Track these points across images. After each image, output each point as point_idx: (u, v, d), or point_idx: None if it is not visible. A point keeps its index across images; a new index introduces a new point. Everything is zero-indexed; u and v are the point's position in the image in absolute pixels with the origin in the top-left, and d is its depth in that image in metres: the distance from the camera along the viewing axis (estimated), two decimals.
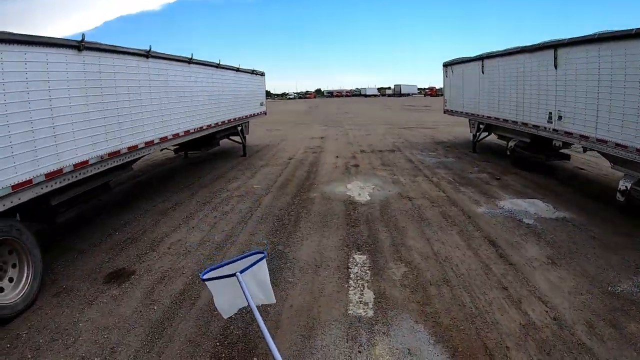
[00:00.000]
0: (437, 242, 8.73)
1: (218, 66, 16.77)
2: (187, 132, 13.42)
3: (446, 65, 24.58)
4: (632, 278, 6.93)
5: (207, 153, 19.63)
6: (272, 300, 4.28)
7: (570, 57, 12.04)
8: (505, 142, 17.92)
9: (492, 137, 20.15)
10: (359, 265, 7.79)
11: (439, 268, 7.45)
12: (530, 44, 14.35)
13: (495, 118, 17.69)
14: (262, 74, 24.11)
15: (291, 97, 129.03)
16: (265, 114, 25.28)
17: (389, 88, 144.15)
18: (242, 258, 4.06)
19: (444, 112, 25.66)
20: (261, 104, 24.02)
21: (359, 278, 7.26)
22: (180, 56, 13.17)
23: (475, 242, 8.62)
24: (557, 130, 12.74)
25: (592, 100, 10.91)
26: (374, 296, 6.57)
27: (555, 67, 12.67)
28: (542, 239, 8.70)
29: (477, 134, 20.40)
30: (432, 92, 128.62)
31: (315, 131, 32.30)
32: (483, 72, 18.92)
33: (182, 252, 8.57)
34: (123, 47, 9.77)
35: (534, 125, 14.09)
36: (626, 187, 9.50)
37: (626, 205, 9.78)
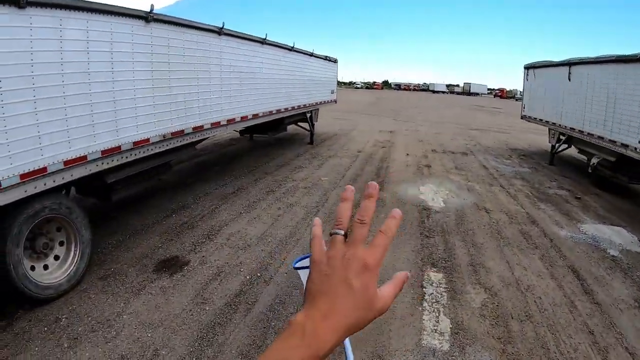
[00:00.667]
0: (518, 266, 7.83)
1: (292, 49, 15.96)
2: (255, 116, 12.72)
3: (528, 67, 22.98)
4: None
5: (274, 138, 18.98)
6: None
7: None
8: (585, 158, 16.68)
9: (572, 150, 18.73)
10: (434, 284, 6.96)
11: (521, 298, 6.63)
12: (629, 54, 12.95)
13: (578, 130, 16.14)
14: (335, 61, 23.20)
15: (358, 86, 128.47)
16: (336, 102, 24.44)
17: (457, 86, 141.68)
18: None
19: (521, 118, 24.15)
20: (332, 92, 23.17)
21: (434, 301, 6.45)
22: (253, 36, 12.40)
23: (559, 272, 7.71)
24: None
25: None
26: (451, 325, 5.82)
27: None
28: (629, 277, 7.73)
29: (557, 145, 19.01)
30: (502, 94, 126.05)
31: (384, 124, 31.16)
32: (569, 79, 17.37)
33: (241, 246, 7.85)
34: (194, 22, 9.10)
35: (622, 144, 12.65)
36: None
37: None
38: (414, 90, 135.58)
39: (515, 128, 34.33)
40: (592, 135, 14.74)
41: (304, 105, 18.02)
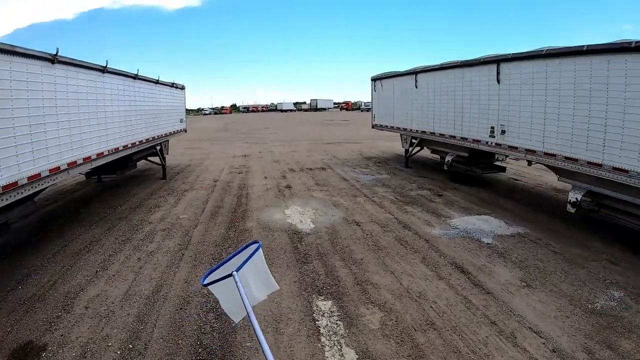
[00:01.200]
0: (403, 274, 7.96)
1: (136, 77, 14.88)
2: (100, 155, 11.52)
3: (375, 79, 24.24)
4: (605, 292, 7.08)
5: (124, 176, 17.49)
6: (276, 287, 3.78)
7: (515, 71, 11.90)
8: (438, 157, 18.21)
9: (424, 152, 20.16)
10: (326, 315, 6.66)
11: (417, 307, 6.70)
12: (470, 59, 14.16)
13: (430, 133, 17.47)
14: (182, 88, 22.30)
15: (207, 112, 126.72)
16: (186, 131, 23.52)
17: (304, 103, 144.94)
18: (238, 253, 3.67)
19: (372, 127, 25.35)
20: (181, 120, 22.23)
21: (331, 333, 6.15)
22: (92, 63, 11.23)
23: (444, 271, 8.08)
24: (500, 145, 12.62)
25: (539, 115, 10.91)
26: (357, 356, 5.57)
27: (498, 81, 12.53)
28: (508, 260, 8.48)
29: (410, 149, 20.17)
30: (348, 106, 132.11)
31: (237, 149, 30.67)
32: (416, 87, 18.66)
33: (104, 313, 6.86)
34: (22, 48, 7.78)
35: (474, 140, 13.93)
36: (576, 198, 9.82)
37: (576, 215, 10.19)
38: (263, 111, 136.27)
39: (365, 138, 36.02)
40: (444, 135, 16.12)
41: (153, 137, 16.96)
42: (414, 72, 18.88)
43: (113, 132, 12.53)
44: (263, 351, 2.87)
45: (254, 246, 3.60)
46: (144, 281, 8.03)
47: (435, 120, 16.97)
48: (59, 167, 9.09)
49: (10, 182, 7.32)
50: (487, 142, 13.26)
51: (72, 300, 7.28)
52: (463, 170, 15.66)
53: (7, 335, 6.22)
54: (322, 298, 7.18)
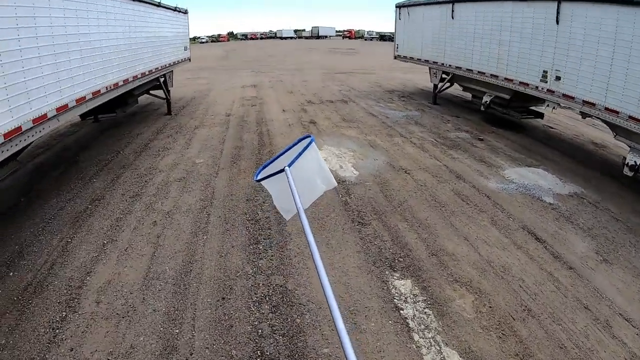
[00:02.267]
0: (478, 241, 6.86)
1: None
2: (96, 94, 9.43)
3: (400, 6, 22.12)
4: None
5: (123, 114, 15.25)
6: (334, 184, 3.36)
7: (579, 13, 10.59)
8: (470, 95, 17.12)
9: (452, 88, 18.85)
10: (409, 300, 5.42)
11: (507, 287, 5.73)
12: None
13: (466, 69, 15.94)
14: (186, 12, 19.79)
15: (203, 40, 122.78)
16: (190, 60, 21.24)
17: (304, 30, 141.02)
18: (290, 148, 3.32)
19: (395, 58, 23.52)
20: (185, 49, 19.88)
21: (423, 327, 4.96)
22: None
23: (518, 238, 7.04)
24: (553, 92, 11.49)
25: (604, 66, 9.67)
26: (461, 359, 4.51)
27: (557, 22, 11.25)
28: (577, 226, 7.53)
29: (440, 84, 18.73)
30: (351, 35, 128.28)
31: (244, 78, 28.29)
32: (453, 17, 16.93)
33: (122, 311, 5.19)
34: None
35: (521, 83, 12.71)
36: (635, 162, 9.01)
37: (630, 178, 9.26)
38: (262, 38, 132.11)
39: (378, 68, 33.98)
40: (484, 73, 14.70)
41: (157, 68, 14.84)
42: (451, 1, 17.01)
43: (110, 65, 10.38)
44: (315, 263, 2.21)
45: (306, 140, 3.28)
46: (166, 257, 6.33)
47: (473, 56, 15.37)
48: (46, 114, 7.07)
49: None
50: (536, 87, 12.07)
51: (77, 292, 5.56)
52: (499, 112, 14.61)
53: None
54: (397, 275, 5.87)
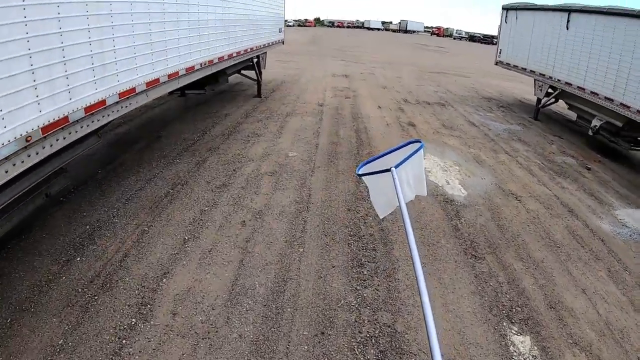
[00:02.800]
0: (596, 296, 5.89)
1: None
2: (190, 69, 8.70)
3: (508, 8, 20.56)
4: None
5: (212, 92, 14.82)
6: (424, 193, 3.28)
7: None
8: (576, 115, 15.42)
9: (555, 105, 17.52)
10: None
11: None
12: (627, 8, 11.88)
13: (578, 87, 14.29)
14: None
15: (290, 24, 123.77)
16: (283, 42, 20.52)
17: (391, 23, 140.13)
18: (398, 148, 3.19)
19: (496, 64, 21.91)
20: (280, 30, 19.15)
21: None
22: None
23: (635, 297, 5.98)
24: None
25: None
26: None
27: None
28: None
29: (545, 99, 17.08)
30: (440, 32, 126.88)
31: (334, 66, 27.41)
32: (567, 28, 15.35)
33: (202, 331, 4.36)
34: None
35: (638, 111, 11.20)
36: None
37: None
38: (348, 27, 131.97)
39: (472, 71, 32.45)
40: (597, 95, 13.18)
41: (251, 48, 14.09)
42: (567, 10, 15.41)
43: (207, 40, 9.64)
44: (412, 259, 2.08)
45: (416, 145, 3.08)
46: (256, 268, 5.44)
47: (587, 74, 13.81)
48: (134, 88, 6.31)
49: (56, 119, 4.56)
50: None
51: (151, 297, 4.78)
52: (607, 139, 13.16)
53: None
54: (515, 330, 5.00)
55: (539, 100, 17.45)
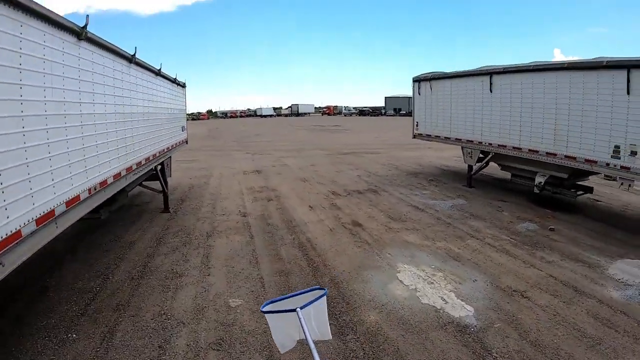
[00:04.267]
0: None
1: (132, 60, 9.21)
2: (73, 202, 5.88)
3: (419, 80, 20.14)
4: None
5: (109, 214, 11.51)
6: (329, 337, 3.67)
7: None
8: (510, 174, 15.53)
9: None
10: None
11: None
12: (585, 60, 11.80)
13: (513, 148, 14.31)
14: (184, 86, 16.75)
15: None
16: (187, 142, 17.98)
17: (281, 108, 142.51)
18: (302, 293, 3.60)
19: (414, 137, 21.35)
20: (182, 129, 16.66)
21: None
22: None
23: None
24: (628, 168, 10.48)
25: None
26: None
27: (628, 92, 10.28)
28: None
29: (477, 165, 16.73)
30: (330, 111, 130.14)
31: (242, 162, 25.02)
32: (491, 91, 15.20)
33: None
34: None
35: (587, 160, 11.56)
36: None
37: None
38: (242, 116, 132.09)
39: (378, 145, 32.77)
40: (537, 152, 13.27)
41: (154, 155, 11.45)
42: (488, 73, 15.32)
43: (97, 154, 6.91)
44: None
45: (320, 292, 3.54)
46: None
47: (522, 133, 13.83)
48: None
49: None
50: (607, 164, 10.96)
51: None
52: (552, 193, 13.34)
53: None
54: None
55: (470, 167, 16.86)
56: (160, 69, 11.86)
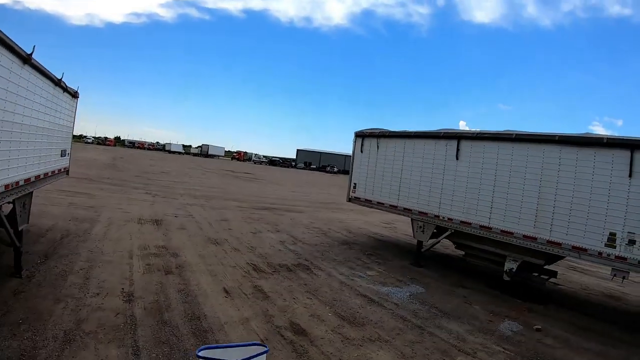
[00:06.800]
0: None
1: None
2: None
3: (363, 135, 16.94)
4: None
5: None
6: None
7: None
8: (463, 253, 13.48)
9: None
10: None
11: None
12: (579, 134, 10.35)
13: (480, 226, 12.02)
14: (75, 95, 12.18)
15: (89, 140, 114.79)
16: (68, 173, 13.25)
17: (190, 146, 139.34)
18: (242, 345, 3.63)
19: (349, 200, 17.84)
20: (63, 154, 11.92)
21: None
22: None
23: None
24: (625, 259, 9.12)
25: None
26: None
27: (631, 174, 9.16)
28: None
29: (430, 242, 13.92)
30: (240, 156, 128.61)
31: (141, 204, 20.04)
32: (457, 158, 12.86)
33: None
34: None
35: (574, 247, 9.95)
36: None
37: None
38: (149, 149, 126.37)
39: (296, 202, 29.84)
40: (511, 234, 11.23)
41: (4, 191, 7.04)
42: (455, 137, 13.00)
43: None
44: None
45: (261, 348, 3.51)
46: None
47: (494, 211, 11.67)
48: None
49: None
50: (599, 253, 9.52)
51: None
52: (524, 279, 11.48)
53: None
54: None
55: (419, 243, 14.03)
56: (31, 54, 7.45)
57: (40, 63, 8.28)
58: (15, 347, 5.75)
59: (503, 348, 7.79)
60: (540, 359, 7.56)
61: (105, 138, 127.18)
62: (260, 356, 3.45)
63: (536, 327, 9.25)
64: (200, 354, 3.37)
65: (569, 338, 8.86)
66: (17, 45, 6.78)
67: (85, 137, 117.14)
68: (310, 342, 7.10)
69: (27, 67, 7.52)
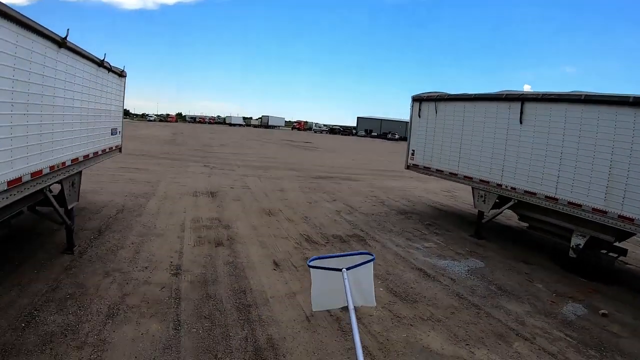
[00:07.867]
0: None
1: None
2: None
3: (421, 99, 16.02)
4: None
5: None
6: (373, 303, 3.71)
7: None
8: (526, 225, 12.62)
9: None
10: None
11: None
12: None
13: (547, 197, 10.92)
14: (122, 74, 12.24)
15: (151, 119, 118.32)
16: (121, 150, 13.45)
17: (251, 118, 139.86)
18: (350, 255, 3.68)
19: (408, 167, 17.05)
20: (113, 132, 12.09)
21: None
22: None
23: None
24: None
25: None
26: None
27: None
28: None
29: (492, 212, 12.91)
30: (301, 126, 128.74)
31: (197, 177, 20.43)
32: (521, 122, 11.71)
33: None
34: None
35: None
36: None
37: None
38: (210, 123, 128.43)
39: (356, 170, 28.91)
40: (580, 206, 10.08)
41: (47, 171, 7.06)
42: (519, 99, 11.82)
43: None
44: (356, 352, 2.60)
45: (368, 257, 3.56)
46: None
47: (560, 180, 10.55)
48: None
49: None
50: None
51: None
52: (586, 256, 10.32)
53: None
54: None
55: (481, 213, 13.19)
56: (65, 38, 7.38)
57: (78, 45, 8.22)
58: (60, 322, 5.81)
59: (565, 334, 7.16)
60: (604, 348, 6.86)
61: (167, 115, 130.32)
62: (368, 263, 3.47)
63: (602, 311, 8.48)
64: (310, 264, 3.45)
65: (638, 327, 7.93)
66: (49, 30, 6.71)
67: (147, 115, 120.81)
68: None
69: (63, 50, 7.46)
